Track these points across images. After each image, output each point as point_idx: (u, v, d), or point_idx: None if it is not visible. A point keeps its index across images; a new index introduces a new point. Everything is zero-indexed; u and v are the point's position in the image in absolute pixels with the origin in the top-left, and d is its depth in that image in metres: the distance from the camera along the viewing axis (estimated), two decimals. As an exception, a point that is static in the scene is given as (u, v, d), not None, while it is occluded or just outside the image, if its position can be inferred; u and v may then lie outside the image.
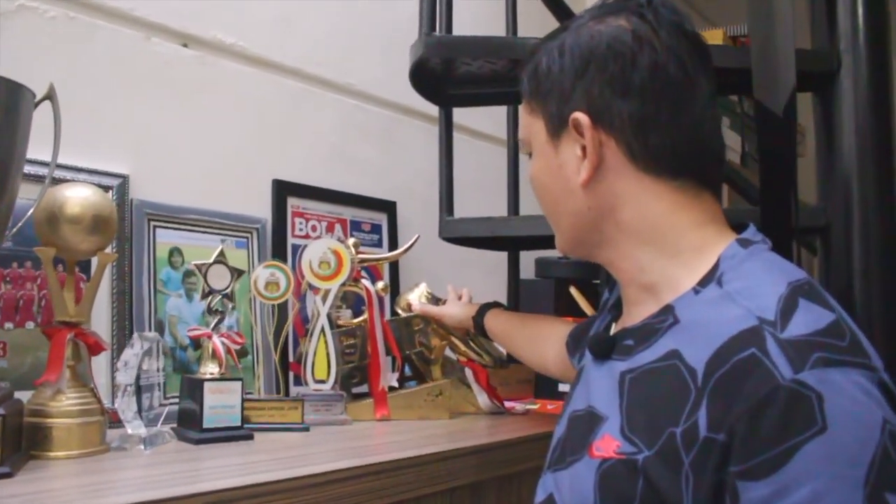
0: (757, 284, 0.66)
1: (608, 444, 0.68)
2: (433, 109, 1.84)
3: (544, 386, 1.85)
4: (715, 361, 0.62)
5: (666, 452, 0.63)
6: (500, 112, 1.82)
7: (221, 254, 1.15)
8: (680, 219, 0.73)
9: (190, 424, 1.08)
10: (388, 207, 1.73)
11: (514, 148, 1.47)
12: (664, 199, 0.73)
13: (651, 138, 0.72)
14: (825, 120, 1.07)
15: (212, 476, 0.87)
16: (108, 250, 1.05)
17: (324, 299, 1.31)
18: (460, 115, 1.88)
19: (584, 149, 0.74)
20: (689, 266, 0.72)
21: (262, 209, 1.50)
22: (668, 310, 0.71)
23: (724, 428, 0.59)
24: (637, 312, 0.76)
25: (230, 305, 1.22)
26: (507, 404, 1.55)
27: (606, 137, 0.73)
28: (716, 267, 0.69)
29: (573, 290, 1.97)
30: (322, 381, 1.29)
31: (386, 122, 1.79)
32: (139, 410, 1.01)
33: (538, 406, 1.75)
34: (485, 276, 1.95)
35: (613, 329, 0.83)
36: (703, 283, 0.69)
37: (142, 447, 0.98)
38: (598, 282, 2.04)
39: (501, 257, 1.93)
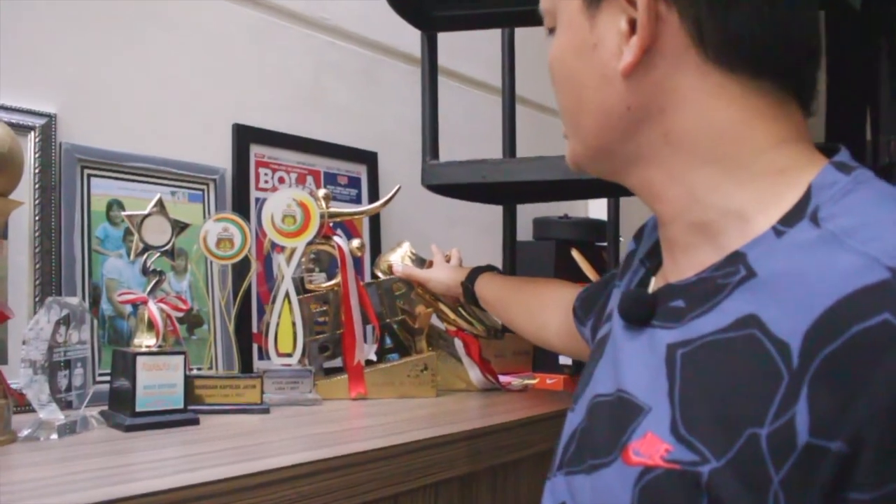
0: (876, 221, 0.46)
1: (653, 446, 0.49)
2: (419, 51, 1.65)
3: (544, 358, 1.69)
4: (820, 332, 0.43)
5: (744, 464, 0.44)
6: (494, 56, 1.63)
7: (160, 203, 0.95)
8: (757, 131, 0.53)
9: (121, 407, 0.90)
10: (368, 158, 1.54)
11: (509, 86, 1.28)
12: (737, 102, 0.53)
13: (731, 18, 0.52)
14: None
15: (140, 474, 0.69)
16: (16, 197, 0.85)
17: (288, 259, 1.12)
18: (449, 59, 1.69)
19: (632, 22, 0.54)
20: (767, 196, 0.52)
21: (220, 158, 1.30)
22: (736, 258, 0.51)
23: (841, 432, 0.41)
24: (687, 262, 0.57)
25: (179, 265, 1.04)
26: (503, 379, 1.38)
27: (667, 9, 0.53)
28: (806, 198, 0.50)
29: (575, 254, 1.80)
30: (287, 355, 1.11)
31: (365, 62, 1.59)
32: (53, 391, 0.83)
33: (537, 381, 1.58)
34: (477, 235, 1.77)
35: (653, 285, 0.64)
36: (789, 220, 0.49)
37: (55, 436, 0.80)
38: (604, 244, 1.87)
39: (496, 214, 1.75)
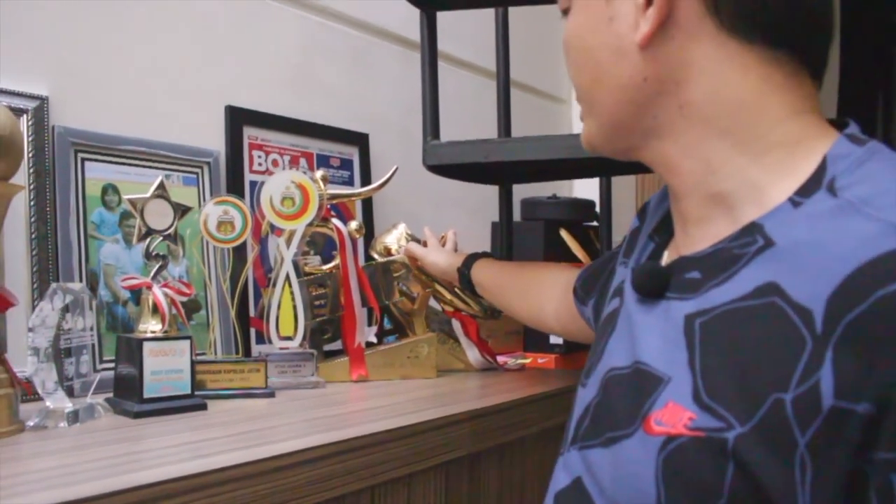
0: (893, 189, 0.47)
1: (675, 415, 0.50)
2: (409, 32, 1.64)
3: (534, 338, 1.69)
4: (843, 298, 0.44)
5: (769, 428, 0.45)
6: (480, 37, 1.61)
7: (161, 186, 0.94)
8: (772, 102, 0.54)
9: (128, 394, 0.89)
10: (360, 140, 1.53)
11: (504, 65, 1.27)
12: (753, 73, 0.54)
13: None
14: None
15: (152, 461, 0.68)
16: (16, 181, 0.83)
17: (288, 242, 1.11)
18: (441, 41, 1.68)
19: None
20: (782, 167, 0.53)
21: (213, 140, 1.28)
22: (752, 229, 0.52)
23: (866, 394, 0.42)
24: (701, 234, 0.58)
25: (177, 250, 1.02)
26: (498, 359, 1.38)
27: None
28: (822, 169, 0.51)
29: (564, 234, 1.80)
30: (288, 339, 1.11)
31: (356, 44, 1.57)
32: (61, 379, 0.82)
33: (529, 360, 1.59)
34: (467, 217, 1.77)
35: (666, 258, 0.65)
36: (806, 191, 0.51)
37: (64, 424, 0.79)
38: (593, 224, 1.87)
39: (485, 197, 1.75)
